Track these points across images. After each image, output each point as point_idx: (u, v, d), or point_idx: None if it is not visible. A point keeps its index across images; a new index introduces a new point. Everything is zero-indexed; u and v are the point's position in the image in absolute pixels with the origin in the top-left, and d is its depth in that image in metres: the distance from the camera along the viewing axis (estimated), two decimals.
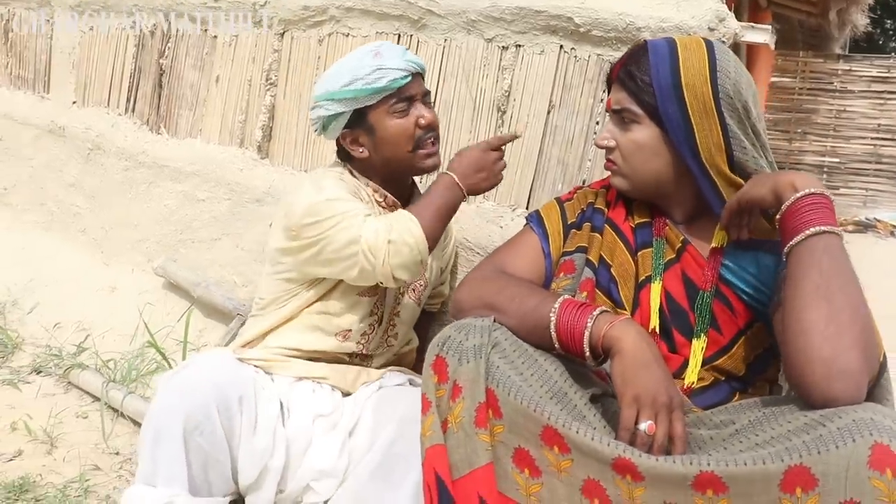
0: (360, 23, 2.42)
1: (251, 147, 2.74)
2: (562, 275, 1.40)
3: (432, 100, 2.09)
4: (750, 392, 1.33)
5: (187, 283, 2.63)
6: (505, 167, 1.60)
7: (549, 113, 2.09)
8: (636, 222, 1.41)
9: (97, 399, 2.31)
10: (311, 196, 1.55)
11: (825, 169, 8.52)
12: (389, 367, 1.76)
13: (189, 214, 2.80)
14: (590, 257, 1.39)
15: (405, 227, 1.48)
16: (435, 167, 1.65)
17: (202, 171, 2.78)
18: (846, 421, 0.96)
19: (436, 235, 1.53)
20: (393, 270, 1.49)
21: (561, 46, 2.08)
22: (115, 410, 2.24)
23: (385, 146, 1.60)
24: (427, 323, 1.99)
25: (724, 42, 1.95)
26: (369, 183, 1.67)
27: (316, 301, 1.66)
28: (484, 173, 1.56)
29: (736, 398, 1.30)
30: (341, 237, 1.49)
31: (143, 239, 2.94)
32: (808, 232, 1.12)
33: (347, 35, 2.46)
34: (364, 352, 1.71)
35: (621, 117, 1.36)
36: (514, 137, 1.64)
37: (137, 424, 2.19)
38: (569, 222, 1.47)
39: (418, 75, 1.61)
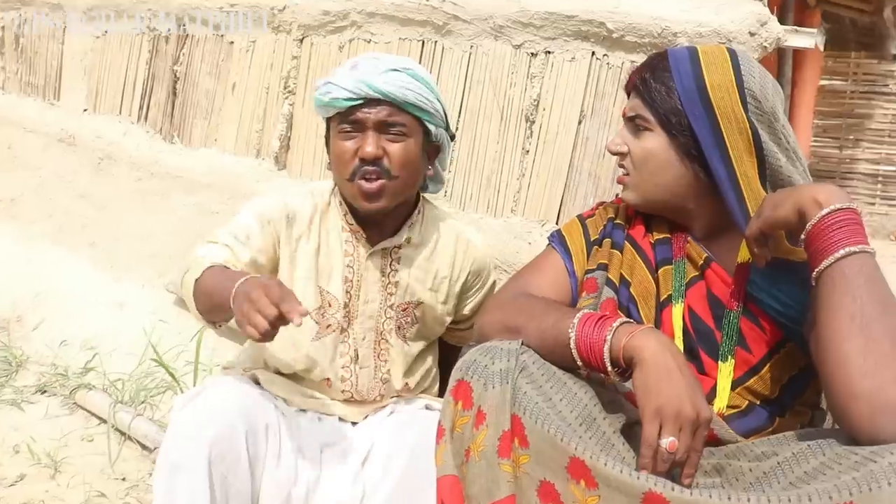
0: (382, 28, 2.47)
1: (268, 158, 2.80)
2: (584, 294, 1.42)
3: (458, 109, 2.11)
4: (788, 418, 1.33)
5: (179, 287, 2.67)
6: (259, 328, 1.28)
7: (580, 123, 2.12)
8: (655, 238, 1.42)
9: (104, 421, 2.35)
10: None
11: (880, 178, 8.40)
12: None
13: (203, 227, 2.85)
14: (610, 276, 1.41)
15: (190, 276, 1.51)
16: (372, 210, 1.58)
17: (217, 183, 2.84)
18: None
19: (198, 304, 1.49)
20: (187, 307, 1.56)
21: (593, 53, 2.10)
22: (123, 433, 2.28)
23: (332, 163, 1.62)
24: (455, 357, 1.98)
25: (766, 47, 1.96)
26: (342, 202, 1.68)
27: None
28: (245, 304, 1.31)
29: (776, 424, 1.31)
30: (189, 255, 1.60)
31: (155, 253, 3.00)
32: (837, 254, 1.10)
33: (369, 41, 2.51)
34: (357, 398, 1.70)
35: (635, 124, 1.39)
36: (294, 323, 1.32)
37: (146, 448, 2.23)
38: (591, 239, 1.50)
39: (380, 102, 1.53)
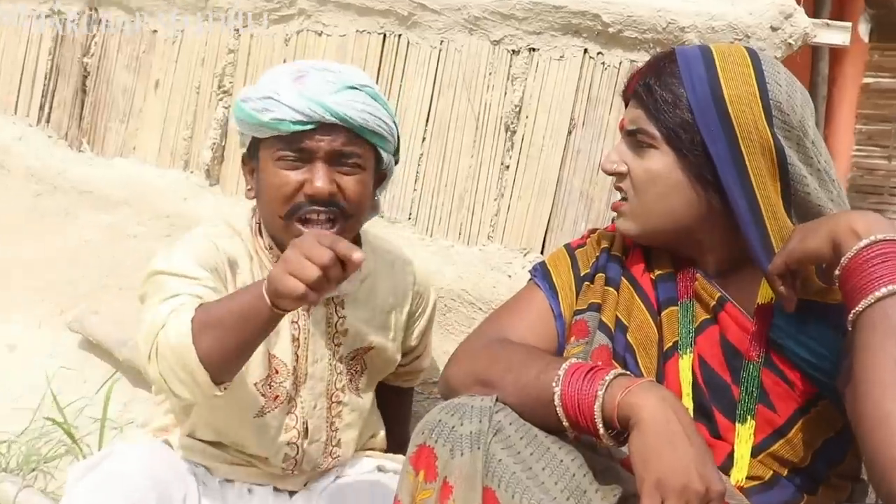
0: (336, 19, 2.50)
1: (198, 170, 2.81)
2: (573, 339, 1.44)
3: (426, 115, 2.12)
4: (822, 492, 1.34)
5: (112, 341, 2.65)
6: (307, 278, 1.21)
7: (570, 133, 2.17)
8: (657, 274, 1.44)
9: None
10: (157, 261, 1.53)
11: None
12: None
13: (117, 254, 2.83)
14: (603, 318, 1.43)
15: (175, 324, 1.36)
16: None
17: (135, 199, 2.84)
18: None
19: (205, 347, 1.33)
20: (166, 381, 1.39)
21: (585, 50, 2.15)
22: None
23: (261, 195, 1.57)
24: (402, 402, 2.00)
25: (791, 45, 2.01)
26: (272, 245, 1.63)
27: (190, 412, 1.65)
28: (291, 254, 1.25)
29: (807, 499, 1.32)
30: (143, 326, 1.43)
31: (56, 284, 2.97)
32: (879, 293, 1.12)
33: (321, 34, 2.54)
34: (297, 472, 1.70)
35: (636, 139, 1.40)
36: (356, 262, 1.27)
37: None
38: (581, 274, 1.51)
39: (335, 128, 1.51)
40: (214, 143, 2.77)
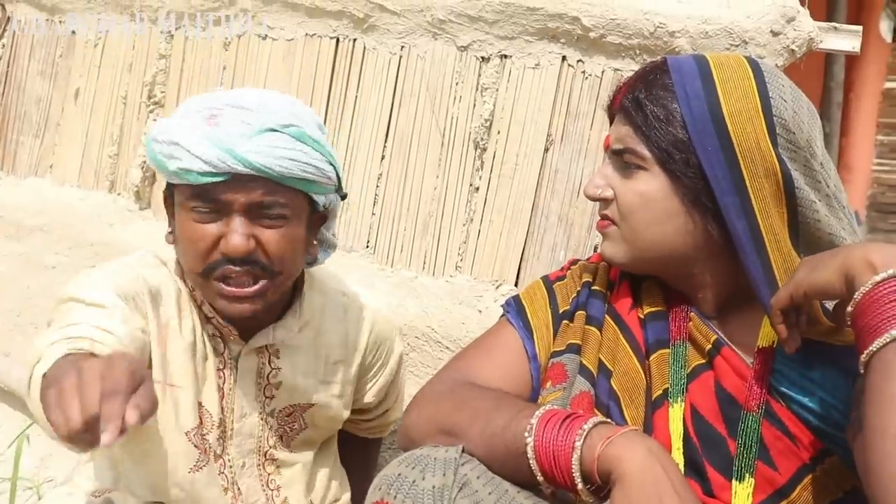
0: (282, 20, 2.54)
1: (126, 192, 2.83)
2: (549, 384, 1.47)
3: (385, 131, 2.16)
4: None
5: (25, 388, 2.66)
6: (63, 426, 1.04)
7: (546, 151, 2.21)
8: (646, 312, 1.47)
9: None
10: (71, 285, 1.54)
11: None
12: None
13: (31, 287, 2.83)
14: (584, 361, 1.45)
15: (44, 362, 1.30)
16: (241, 316, 1.56)
17: (52, 225, 2.84)
18: None
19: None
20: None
21: (563, 57, 2.20)
22: None
23: (178, 246, 1.58)
24: (367, 453, 2.03)
25: (794, 51, 2.06)
26: (195, 289, 1.64)
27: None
28: (67, 381, 1.08)
29: None
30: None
31: None
32: (895, 332, 1.14)
33: (265, 37, 2.58)
34: None
35: (623, 160, 1.43)
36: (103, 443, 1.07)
37: None
38: (560, 311, 1.55)
39: (253, 178, 1.48)
40: (144, 162, 2.77)
